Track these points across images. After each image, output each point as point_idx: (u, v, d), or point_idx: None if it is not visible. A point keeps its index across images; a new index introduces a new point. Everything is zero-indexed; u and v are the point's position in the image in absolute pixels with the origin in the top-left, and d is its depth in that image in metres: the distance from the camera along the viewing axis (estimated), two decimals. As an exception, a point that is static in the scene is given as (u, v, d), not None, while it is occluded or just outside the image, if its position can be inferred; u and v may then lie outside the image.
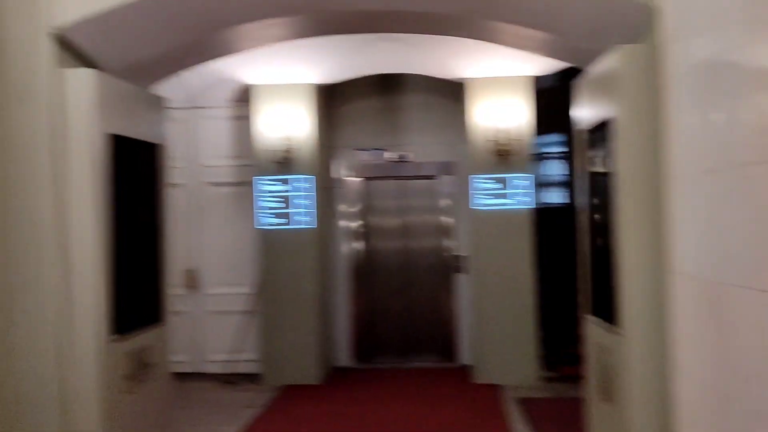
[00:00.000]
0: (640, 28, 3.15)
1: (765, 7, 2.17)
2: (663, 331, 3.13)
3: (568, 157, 6.57)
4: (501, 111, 6.11)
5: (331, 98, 6.76)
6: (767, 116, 2.13)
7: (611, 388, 3.53)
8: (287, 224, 6.27)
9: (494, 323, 6.10)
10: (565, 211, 6.04)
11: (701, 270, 2.70)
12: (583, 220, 3.99)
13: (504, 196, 6.13)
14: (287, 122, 6.25)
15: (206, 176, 6.65)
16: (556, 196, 6.98)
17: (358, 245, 6.97)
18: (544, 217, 6.37)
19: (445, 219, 6.91)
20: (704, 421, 2.69)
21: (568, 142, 6.21)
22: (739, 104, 2.36)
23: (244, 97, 6.43)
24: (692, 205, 2.79)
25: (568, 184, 6.75)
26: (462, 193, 6.44)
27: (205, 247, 6.60)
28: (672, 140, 2.96)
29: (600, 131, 3.58)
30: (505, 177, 6.11)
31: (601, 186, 3.63)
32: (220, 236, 6.62)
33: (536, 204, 6.22)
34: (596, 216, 3.79)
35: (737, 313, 2.34)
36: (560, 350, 6.24)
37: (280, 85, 6.24)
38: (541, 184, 6.68)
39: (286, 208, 6.27)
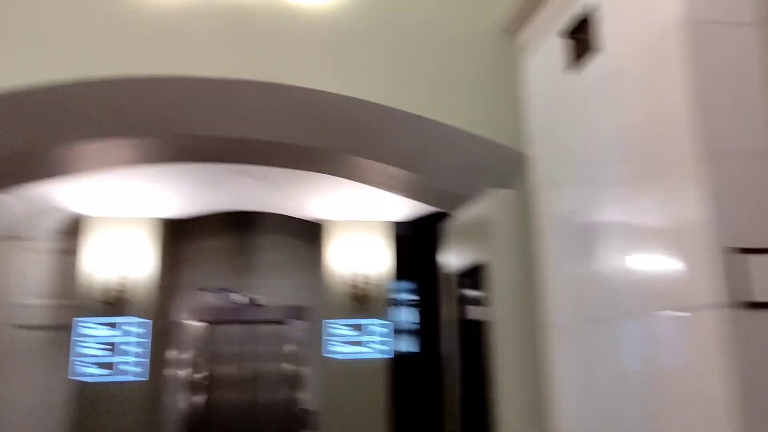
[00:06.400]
0: (511, 174, 3.12)
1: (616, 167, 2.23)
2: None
3: (419, 305, 6.38)
4: (360, 255, 5.93)
5: (178, 234, 6.19)
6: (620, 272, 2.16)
7: None
8: (111, 375, 5.38)
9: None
10: (420, 361, 5.79)
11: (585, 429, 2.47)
12: (452, 371, 3.71)
13: (360, 343, 5.78)
14: (124, 259, 5.59)
15: (16, 318, 5.63)
16: (410, 344, 6.70)
17: (198, 398, 6.12)
18: (400, 366, 6.03)
19: (296, 368, 6.33)
20: None
21: (420, 290, 6.12)
22: (595, 258, 2.32)
23: (72, 228, 5.70)
24: (571, 358, 2.61)
25: (420, 333, 6.51)
26: (315, 340, 5.98)
27: (6, 401, 5.43)
28: (547, 288, 2.84)
29: (471, 276, 3.42)
30: (361, 323, 5.80)
31: (473, 333, 3.40)
32: (28, 388, 5.51)
33: (393, 352, 5.91)
34: (467, 366, 3.53)
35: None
36: None
37: (118, 218, 5.64)
38: (398, 331, 6.41)
39: (113, 355, 5.41)
